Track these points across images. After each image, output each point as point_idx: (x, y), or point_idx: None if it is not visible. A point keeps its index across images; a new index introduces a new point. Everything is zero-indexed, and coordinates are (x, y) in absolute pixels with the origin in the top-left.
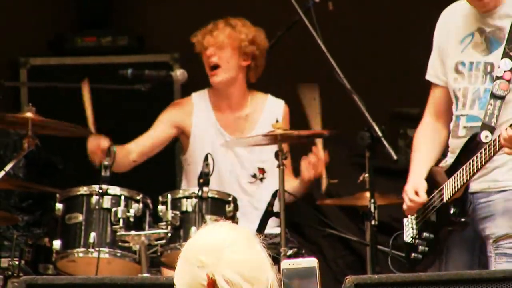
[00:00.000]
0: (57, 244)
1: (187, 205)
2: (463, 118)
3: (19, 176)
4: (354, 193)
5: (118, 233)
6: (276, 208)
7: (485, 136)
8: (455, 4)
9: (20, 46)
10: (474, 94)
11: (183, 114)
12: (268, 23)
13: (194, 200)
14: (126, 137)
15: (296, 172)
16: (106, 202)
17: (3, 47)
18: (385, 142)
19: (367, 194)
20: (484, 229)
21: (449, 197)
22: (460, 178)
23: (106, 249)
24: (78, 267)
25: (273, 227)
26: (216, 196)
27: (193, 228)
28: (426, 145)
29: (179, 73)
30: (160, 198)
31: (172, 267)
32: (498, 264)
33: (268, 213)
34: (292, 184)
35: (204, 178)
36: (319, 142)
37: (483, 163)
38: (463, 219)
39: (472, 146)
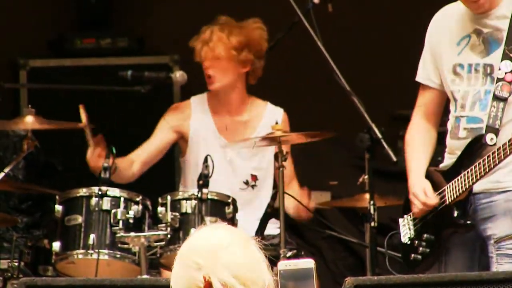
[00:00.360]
0: (56, 245)
1: (187, 206)
2: (463, 120)
3: (19, 177)
4: (354, 195)
5: (118, 235)
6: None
7: (490, 138)
8: (447, 6)
9: (20, 48)
10: (474, 96)
11: (181, 118)
12: (267, 24)
13: (194, 202)
14: (125, 138)
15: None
16: (106, 204)
17: (3, 49)
18: (384, 144)
19: (367, 195)
20: (485, 229)
21: (452, 199)
22: (464, 180)
23: (106, 251)
24: (78, 268)
25: (272, 228)
26: (215, 197)
27: (192, 230)
28: (421, 145)
29: (178, 75)
30: (160, 200)
31: (172, 269)
32: (500, 265)
33: (268, 215)
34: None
35: (204, 180)
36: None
37: (492, 166)
38: (468, 222)
39: (475, 148)
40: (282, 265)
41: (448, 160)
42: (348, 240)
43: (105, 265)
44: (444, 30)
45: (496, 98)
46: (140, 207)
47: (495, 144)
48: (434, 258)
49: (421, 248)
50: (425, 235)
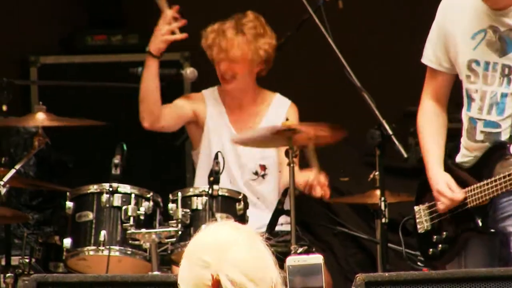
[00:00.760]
0: (67, 242)
1: (198, 203)
2: (480, 123)
3: (30, 174)
4: (365, 191)
5: (129, 231)
6: (286, 206)
7: None
8: None
9: (31, 45)
10: (492, 98)
11: (199, 104)
12: (278, 21)
13: (205, 198)
14: (136, 135)
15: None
16: (117, 200)
17: (14, 46)
18: (395, 141)
19: (378, 192)
20: (506, 227)
21: (474, 204)
22: (489, 189)
23: (117, 247)
24: (89, 265)
25: (284, 224)
26: (226, 194)
27: (203, 226)
28: (437, 131)
29: (189, 71)
30: (171, 196)
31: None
32: None
33: (279, 211)
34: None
35: (214, 177)
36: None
37: None
38: (492, 230)
39: (497, 155)
40: (291, 260)
41: (465, 156)
42: (359, 236)
43: (116, 261)
44: (456, 18)
45: None
46: (151, 203)
47: None
48: (453, 254)
49: (440, 245)
50: (445, 233)
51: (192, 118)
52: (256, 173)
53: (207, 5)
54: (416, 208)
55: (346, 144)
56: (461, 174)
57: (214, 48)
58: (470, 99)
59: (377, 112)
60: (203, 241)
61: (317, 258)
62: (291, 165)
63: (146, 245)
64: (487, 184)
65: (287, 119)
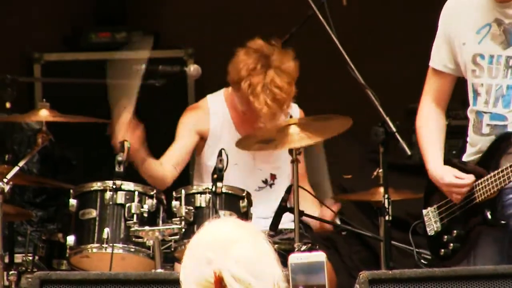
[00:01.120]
0: (71, 239)
1: (201, 200)
2: (486, 116)
3: (33, 171)
4: (368, 189)
5: (132, 229)
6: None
7: None
8: None
9: (35, 42)
10: (497, 91)
11: (201, 119)
12: (281, 18)
13: (208, 196)
14: None
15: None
16: (120, 198)
17: (18, 43)
18: (399, 138)
19: (381, 189)
20: None
21: (482, 198)
22: (496, 181)
23: (120, 245)
24: (92, 262)
25: (288, 222)
26: (229, 191)
27: (206, 223)
28: (435, 132)
29: (193, 69)
30: (174, 194)
31: None
32: None
33: (282, 209)
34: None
35: (218, 174)
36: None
37: None
38: (503, 221)
39: (503, 146)
40: (293, 258)
41: (471, 154)
42: (362, 234)
43: (119, 259)
44: (461, 16)
45: None
46: (155, 201)
47: None
48: (464, 253)
49: (451, 244)
50: (455, 231)
51: (199, 139)
52: (265, 182)
53: (210, 3)
54: (424, 211)
55: (350, 141)
56: (469, 169)
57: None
58: (476, 93)
59: (381, 109)
60: (205, 238)
61: (320, 256)
62: (295, 162)
63: (150, 243)
64: (494, 175)
65: (290, 117)
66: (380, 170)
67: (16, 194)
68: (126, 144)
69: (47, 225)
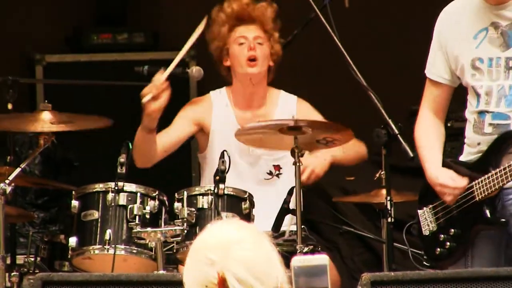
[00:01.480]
0: (72, 241)
1: (203, 202)
2: (489, 115)
3: (35, 173)
4: (371, 191)
5: (134, 230)
6: (292, 205)
7: None
8: (457, 0)
9: (36, 43)
10: (499, 92)
11: (203, 111)
12: (284, 20)
13: (210, 197)
14: None
15: None
16: (122, 199)
17: (19, 44)
18: (401, 140)
19: (384, 191)
20: None
21: (482, 196)
22: (497, 179)
23: (122, 246)
24: (94, 264)
25: (293, 224)
26: (232, 193)
27: (209, 225)
28: (433, 139)
29: (195, 70)
30: (176, 195)
31: None
32: None
33: (284, 211)
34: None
35: (220, 175)
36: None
37: None
38: (503, 219)
39: (505, 145)
40: (296, 261)
41: (469, 154)
42: (365, 235)
43: (121, 260)
44: (457, 24)
45: None
46: (157, 202)
47: None
48: (461, 253)
49: (448, 243)
50: (452, 230)
51: (196, 130)
52: (270, 173)
53: (213, 4)
54: (419, 211)
55: None
56: (465, 170)
57: (237, 27)
58: (478, 95)
59: (383, 111)
60: (209, 239)
61: (323, 259)
62: (297, 164)
63: (152, 244)
64: (495, 174)
65: (292, 117)
66: (383, 172)
67: (18, 195)
68: (129, 145)
69: (49, 227)
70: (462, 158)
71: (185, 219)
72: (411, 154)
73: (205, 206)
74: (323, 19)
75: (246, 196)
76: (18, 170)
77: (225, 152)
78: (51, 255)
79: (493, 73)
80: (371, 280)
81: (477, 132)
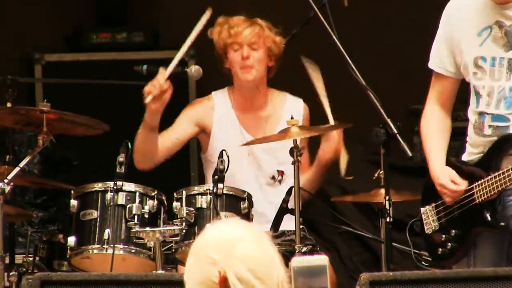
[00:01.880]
0: (71, 240)
1: (202, 201)
2: (488, 117)
3: (34, 172)
4: (369, 190)
5: (133, 230)
6: (291, 205)
7: None
8: None
9: (35, 42)
10: (499, 93)
11: (205, 112)
12: (283, 19)
13: (209, 197)
14: None
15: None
16: (121, 199)
17: (18, 43)
18: (400, 139)
19: (382, 191)
20: None
21: (482, 199)
22: (497, 182)
23: (121, 246)
24: (93, 263)
25: (291, 224)
26: (230, 193)
27: (207, 225)
28: (439, 133)
29: (194, 70)
30: (175, 195)
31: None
32: None
33: (283, 210)
34: (306, 177)
35: (219, 175)
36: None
37: None
38: (502, 223)
39: (505, 148)
40: (296, 261)
41: (471, 154)
42: (363, 235)
43: (120, 260)
44: (462, 19)
45: None
46: (155, 202)
47: None
48: (462, 253)
49: (449, 244)
50: (453, 231)
51: (198, 131)
52: (273, 178)
53: (212, 4)
54: (422, 209)
55: (350, 142)
56: (467, 170)
57: (231, 33)
58: (478, 95)
59: (382, 111)
60: (210, 238)
61: (322, 260)
62: (296, 163)
63: (151, 244)
64: (495, 177)
65: (292, 118)
66: (381, 172)
67: (17, 195)
68: (129, 145)
69: (48, 226)
70: (464, 157)
71: (184, 219)
72: (410, 154)
73: (204, 205)
74: (322, 18)
75: (245, 196)
76: (17, 169)
77: (224, 152)
78: (50, 254)
79: (495, 73)
80: (370, 280)
81: (477, 134)
